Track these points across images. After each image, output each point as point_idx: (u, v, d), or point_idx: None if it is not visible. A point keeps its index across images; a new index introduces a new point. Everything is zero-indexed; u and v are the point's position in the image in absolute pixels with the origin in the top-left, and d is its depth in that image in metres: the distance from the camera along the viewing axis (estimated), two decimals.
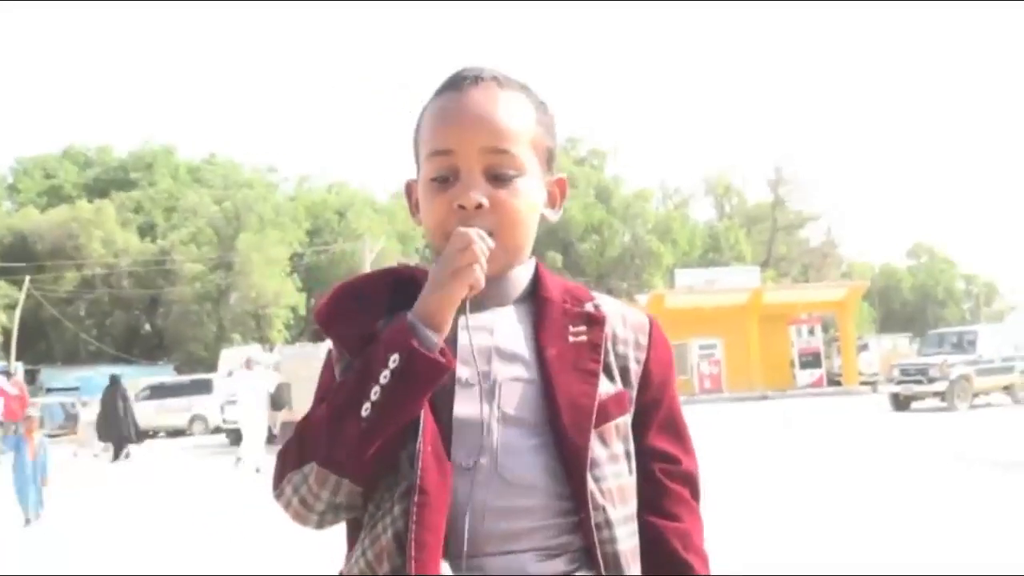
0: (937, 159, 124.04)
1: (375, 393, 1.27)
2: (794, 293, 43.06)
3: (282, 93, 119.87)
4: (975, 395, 24.19)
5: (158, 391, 31.79)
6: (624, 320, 1.48)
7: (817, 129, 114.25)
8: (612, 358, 1.43)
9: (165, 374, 39.68)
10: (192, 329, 51.40)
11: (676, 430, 1.52)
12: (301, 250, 54.72)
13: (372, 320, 1.37)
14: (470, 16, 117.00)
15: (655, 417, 1.48)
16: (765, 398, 33.91)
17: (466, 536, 1.30)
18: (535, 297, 1.45)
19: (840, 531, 8.42)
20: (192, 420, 32.00)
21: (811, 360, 37.69)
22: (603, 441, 1.38)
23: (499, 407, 1.35)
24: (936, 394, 24.01)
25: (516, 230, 1.40)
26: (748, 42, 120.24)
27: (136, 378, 32.00)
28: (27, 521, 11.76)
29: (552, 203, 1.50)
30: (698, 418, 24.70)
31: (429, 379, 1.29)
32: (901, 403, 24.56)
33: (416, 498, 1.27)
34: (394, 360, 1.27)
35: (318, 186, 64.20)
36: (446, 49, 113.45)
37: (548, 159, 1.47)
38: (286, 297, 51.84)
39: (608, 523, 1.36)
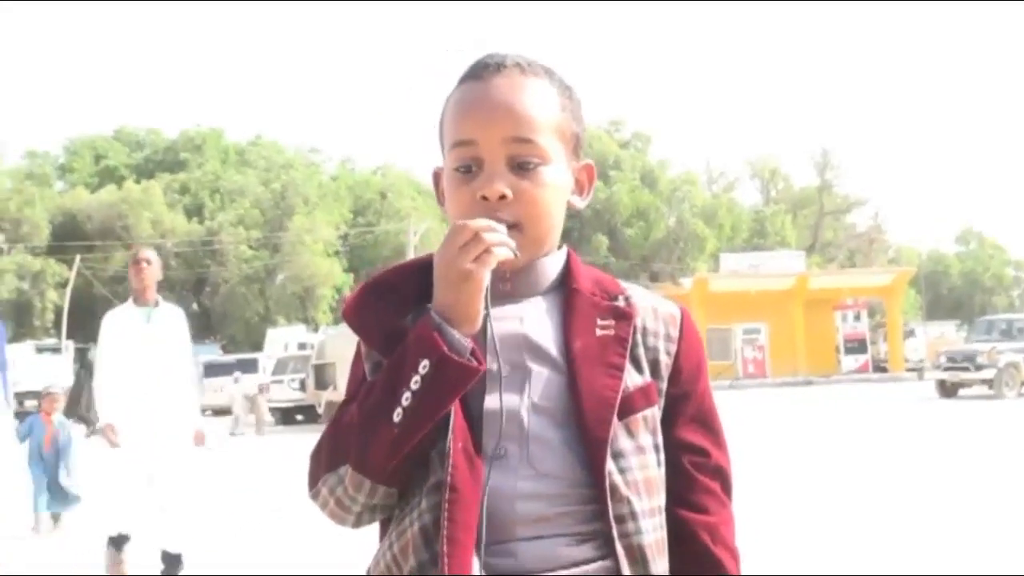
0: (987, 143, 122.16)
1: (406, 399, 1.27)
2: (840, 278, 42.70)
3: (325, 74, 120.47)
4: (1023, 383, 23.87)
5: (205, 370, 32.15)
6: (655, 312, 1.46)
7: (865, 112, 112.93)
8: (641, 351, 1.42)
9: (212, 353, 40.05)
10: (239, 309, 51.91)
11: (707, 423, 1.49)
12: (345, 231, 55.01)
13: (399, 315, 1.37)
14: None
15: (685, 409, 1.46)
16: (809, 383, 33.69)
17: (497, 522, 1.30)
18: (565, 288, 1.44)
19: (884, 521, 8.35)
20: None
21: (856, 346, 37.39)
22: (629, 432, 1.37)
23: (529, 396, 1.35)
24: (984, 382, 23.75)
25: (541, 220, 1.39)
26: (796, 23, 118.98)
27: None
28: (34, 526, 9.63)
29: (580, 190, 1.48)
30: (741, 403, 24.78)
31: (461, 383, 1.28)
32: (948, 390, 24.32)
33: (447, 495, 1.27)
34: (424, 366, 1.26)
35: (361, 167, 64.47)
36: (488, 28, 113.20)
37: (575, 145, 1.45)
38: (332, 278, 52.21)
39: (633, 515, 1.35)
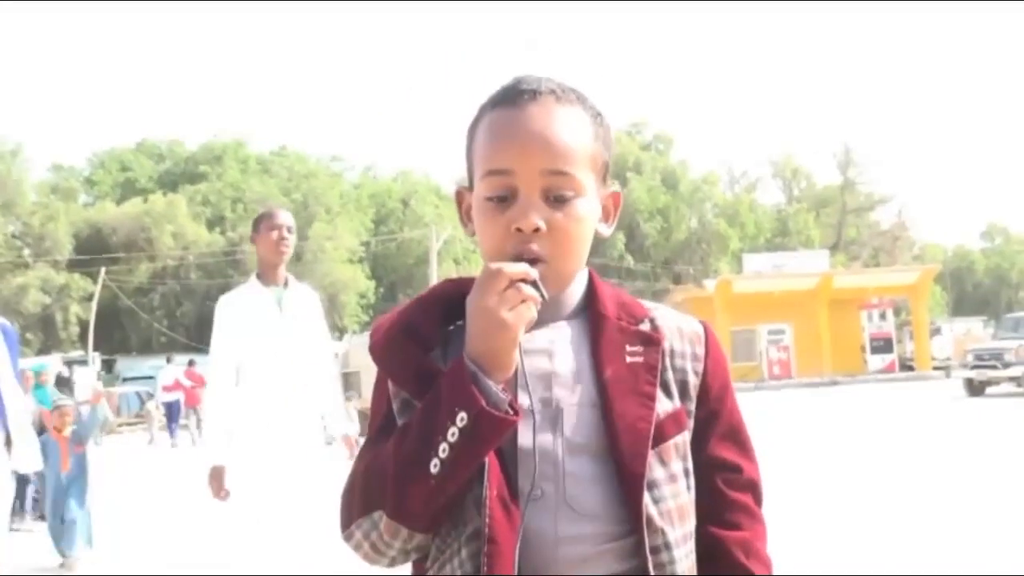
0: (1011, 137, 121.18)
1: (443, 450, 1.26)
2: (864, 277, 42.44)
3: (345, 81, 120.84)
4: None
5: None
6: (680, 333, 1.46)
7: (887, 108, 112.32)
8: (670, 375, 1.42)
9: None
10: None
11: (737, 437, 1.50)
12: (368, 238, 55.18)
13: (426, 349, 1.36)
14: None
15: (716, 427, 1.47)
16: (835, 384, 33.52)
17: (540, 566, 1.30)
18: (590, 311, 1.43)
19: (913, 522, 8.31)
20: None
21: (882, 345, 37.18)
22: (662, 461, 1.38)
23: (563, 434, 1.35)
24: (1012, 379, 23.56)
25: (572, 254, 1.38)
26: (817, 21, 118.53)
27: (207, 366, 32.44)
28: (61, 562, 8.44)
29: (606, 217, 1.48)
30: (767, 404, 24.59)
31: (498, 435, 1.28)
32: (976, 388, 24.14)
33: (486, 548, 1.27)
34: (462, 419, 1.25)
35: (383, 175, 64.66)
36: (508, 33, 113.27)
37: (604, 173, 1.44)
38: (356, 285, 52.38)
39: (667, 545, 1.35)
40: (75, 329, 49.41)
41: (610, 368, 1.38)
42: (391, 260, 55.94)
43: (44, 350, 45.15)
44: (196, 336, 52.40)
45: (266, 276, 5.08)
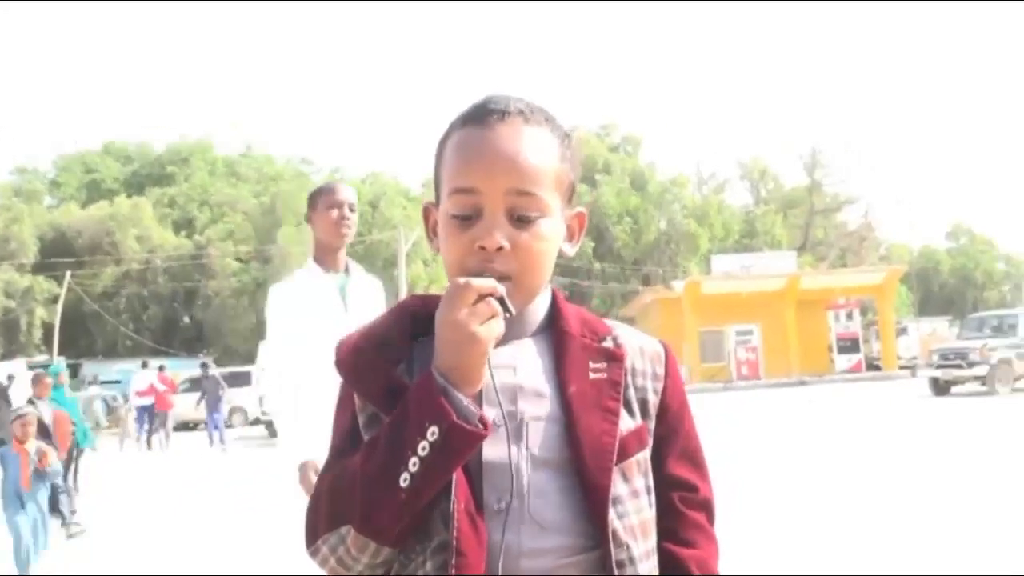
0: (976, 138, 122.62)
1: (413, 464, 1.27)
2: (831, 277, 42.76)
3: (314, 84, 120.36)
4: (1016, 379, 23.92)
5: (198, 384, 32.03)
6: (642, 352, 1.48)
7: (853, 110, 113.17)
8: (632, 392, 1.44)
9: None
10: (230, 322, 51.80)
11: (693, 457, 1.52)
12: None
13: (393, 364, 1.38)
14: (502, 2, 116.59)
15: (673, 446, 1.49)
16: (803, 384, 33.76)
17: None
18: (554, 329, 1.45)
19: (880, 521, 8.37)
20: (231, 412, 32.25)
21: (849, 345, 37.47)
22: (625, 478, 1.39)
23: (527, 448, 1.36)
24: (977, 378, 23.80)
25: (535, 272, 1.40)
26: (784, 24, 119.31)
27: (175, 371, 32.23)
28: None
29: (570, 236, 1.49)
30: (735, 405, 24.69)
31: (468, 449, 1.29)
32: (941, 388, 24.37)
33: (454, 559, 1.29)
34: (432, 433, 1.26)
35: (351, 177, 64.39)
36: (478, 35, 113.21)
37: (570, 193, 1.46)
38: None
39: (632, 560, 1.37)
40: (39, 333, 48.90)
41: (574, 384, 1.39)
42: (359, 263, 55.02)
43: (8, 354, 44.66)
44: (162, 340, 52.06)
45: (325, 261, 4.36)
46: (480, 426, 1.28)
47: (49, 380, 11.15)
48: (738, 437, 15.67)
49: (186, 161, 60.69)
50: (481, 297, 1.30)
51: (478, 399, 1.33)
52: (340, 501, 1.35)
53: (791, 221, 64.16)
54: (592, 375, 1.41)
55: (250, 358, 41.55)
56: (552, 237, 1.41)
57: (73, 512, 10.79)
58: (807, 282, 39.73)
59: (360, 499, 1.31)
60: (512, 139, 1.38)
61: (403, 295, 42.33)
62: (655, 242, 58.42)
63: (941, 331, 42.05)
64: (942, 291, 77.06)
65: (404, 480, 1.27)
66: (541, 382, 1.40)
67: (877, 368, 37.70)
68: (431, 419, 1.26)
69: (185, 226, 55.16)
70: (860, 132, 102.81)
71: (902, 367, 36.77)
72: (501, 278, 1.34)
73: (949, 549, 7.02)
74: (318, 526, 1.38)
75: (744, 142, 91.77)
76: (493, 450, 1.34)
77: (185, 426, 30.22)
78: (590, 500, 1.35)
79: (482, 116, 1.40)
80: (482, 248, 1.35)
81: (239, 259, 52.62)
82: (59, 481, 9.78)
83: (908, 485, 10.14)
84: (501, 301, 1.31)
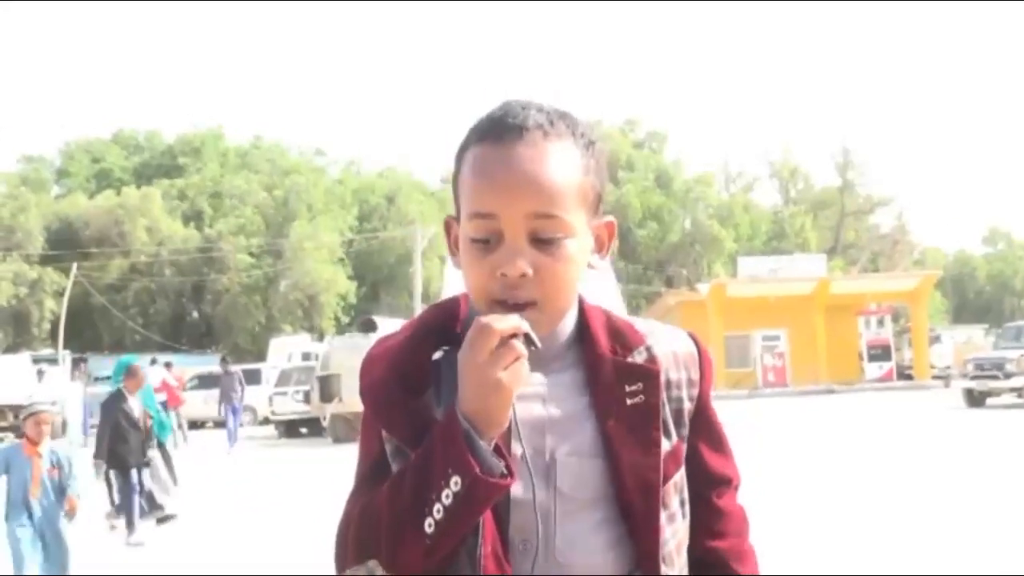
0: (1014, 139, 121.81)
1: (438, 511, 1.28)
2: (862, 282, 42.54)
3: (329, 73, 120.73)
4: None
5: (206, 381, 32.12)
6: (676, 359, 1.47)
7: (888, 109, 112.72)
8: (667, 409, 1.43)
9: (213, 363, 40.12)
10: (240, 318, 52.05)
11: (722, 446, 1.53)
12: (351, 236, 55.10)
13: (419, 395, 1.38)
14: None
15: (706, 443, 1.50)
16: (831, 392, 33.60)
17: None
18: (584, 348, 1.44)
19: (911, 535, 8.33)
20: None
21: (880, 353, 37.25)
22: (664, 504, 1.40)
23: (556, 486, 1.36)
24: (1013, 390, 23.60)
25: (561, 296, 1.38)
26: (817, 19, 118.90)
27: (184, 367, 32.36)
28: None
29: (599, 248, 1.46)
30: (762, 413, 24.51)
31: (492, 499, 1.29)
32: (976, 399, 24.19)
33: None
34: (456, 483, 1.26)
35: (367, 170, 64.59)
36: (499, 26, 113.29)
37: (596, 204, 1.42)
38: (336, 285, 52.28)
39: None
40: (47, 326, 49.20)
41: (611, 416, 1.39)
42: (374, 259, 55.85)
43: (13, 347, 44.96)
44: (170, 335, 52.28)
45: None
46: (505, 476, 1.28)
47: (143, 373, 11.11)
48: (764, 446, 15.61)
49: (197, 152, 60.93)
50: (504, 340, 1.27)
51: (505, 435, 1.32)
52: (367, 535, 1.35)
53: (821, 223, 63.94)
54: (629, 400, 1.40)
55: (260, 355, 41.75)
56: (578, 257, 1.38)
57: (160, 507, 10.82)
58: (837, 286, 39.54)
59: (386, 538, 1.32)
60: (532, 159, 1.34)
61: (419, 293, 42.47)
62: (679, 242, 58.38)
63: (976, 340, 41.72)
64: (978, 298, 76.68)
65: (429, 526, 1.28)
66: (573, 413, 1.39)
67: (909, 377, 37.47)
68: (454, 469, 1.26)
69: (195, 218, 55.40)
70: (895, 131, 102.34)
71: (935, 377, 36.52)
72: (525, 305, 1.33)
73: (981, 562, 6.99)
74: (347, 555, 1.39)
75: (774, 139, 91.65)
76: (520, 488, 1.34)
77: (193, 424, 30.32)
78: (638, 544, 1.37)
79: (500, 133, 1.36)
80: (503, 275, 1.33)
81: (250, 253, 52.80)
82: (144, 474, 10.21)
83: (939, 500, 10.08)
84: (526, 337, 1.29)
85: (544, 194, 1.33)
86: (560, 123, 1.38)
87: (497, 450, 1.29)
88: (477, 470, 1.25)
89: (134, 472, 10.42)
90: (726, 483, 1.52)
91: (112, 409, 10.50)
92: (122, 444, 10.37)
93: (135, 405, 10.60)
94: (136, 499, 10.40)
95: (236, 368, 26.81)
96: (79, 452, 12.07)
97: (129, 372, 10.81)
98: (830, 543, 8.14)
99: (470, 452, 1.26)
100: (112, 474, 10.56)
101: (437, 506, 1.27)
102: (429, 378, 1.38)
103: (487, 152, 1.36)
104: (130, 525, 10.27)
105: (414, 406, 1.37)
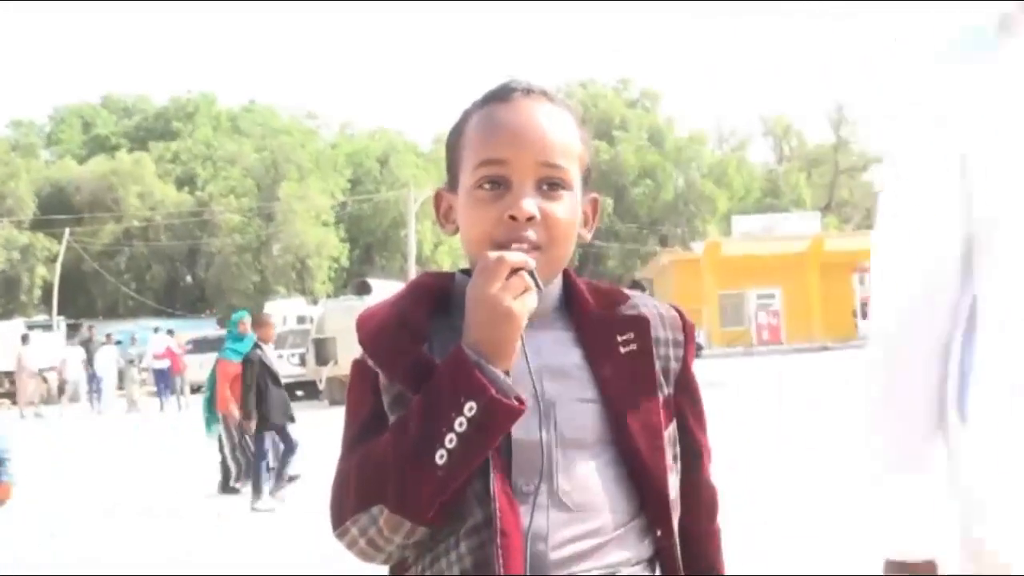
0: None
1: (450, 440, 1.29)
2: (857, 240, 42.51)
3: (320, 34, 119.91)
4: None
5: (201, 345, 31.98)
6: (661, 319, 1.50)
7: (882, 64, 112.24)
8: (658, 363, 1.46)
9: (208, 327, 40.08)
10: (233, 281, 51.93)
11: (701, 418, 1.56)
12: (343, 199, 54.94)
13: (416, 343, 1.39)
14: None
15: (692, 412, 1.54)
16: (826, 349, 33.72)
17: (535, 564, 1.34)
18: (572, 305, 1.48)
19: None
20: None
21: None
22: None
23: (556, 429, 1.38)
24: None
25: (564, 243, 1.43)
26: None
27: (179, 332, 32.33)
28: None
29: (585, 222, 1.52)
30: (756, 371, 24.59)
31: (507, 424, 1.31)
32: None
33: (499, 540, 1.31)
34: (471, 408, 1.28)
35: (359, 132, 64.27)
36: None
37: (587, 177, 1.50)
38: (329, 248, 52.18)
39: (672, 532, 1.44)
40: (39, 292, 49.13)
41: (607, 364, 1.42)
42: (366, 222, 55.69)
43: (6, 313, 44.95)
44: (165, 300, 52.27)
45: None
46: (518, 401, 1.30)
47: (272, 322, 10.57)
48: (759, 404, 15.69)
49: (190, 116, 60.58)
50: (513, 271, 1.32)
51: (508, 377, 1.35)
52: (370, 481, 1.35)
53: (815, 180, 63.90)
54: (623, 348, 1.44)
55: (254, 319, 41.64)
56: (576, 212, 1.45)
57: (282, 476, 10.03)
58: (831, 244, 39.59)
59: (394, 478, 1.32)
60: (539, 113, 1.43)
61: (412, 256, 42.46)
62: (673, 201, 58.28)
63: None
64: None
65: (441, 457, 1.29)
66: (567, 362, 1.42)
67: None
68: (468, 394, 1.29)
69: (187, 182, 55.17)
70: (889, 86, 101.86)
71: None
72: (531, 249, 1.37)
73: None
74: (345, 507, 1.39)
75: (767, 97, 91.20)
76: (522, 430, 1.35)
77: (191, 389, 30.33)
78: (646, 483, 1.40)
79: (506, 93, 1.45)
80: (512, 218, 1.38)
81: (242, 216, 52.62)
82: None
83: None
84: (531, 275, 1.34)
85: (552, 144, 1.41)
86: (558, 98, 1.48)
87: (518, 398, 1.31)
88: (493, 391, 1.28)
89: (268, 434, 9.86)
90: (703, 455, 1.55)
91: (253, 364, 9.68)
92: (265, 402, 9.67)
93: (272, 355, 10.05)
94: (264, 463, 9.82)
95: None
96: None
97: (260, 322, 10.30)
98: (830, 507, 8.18)
99: (483, 376, 1.29)
100: (233, 436, 10.24)
101: (450, 435, 1.29)
102: (428, 330, 1.40)
103: (495, 108, 1.45)
104: (257, 490, 9.74)
105: (415, 350, 1.38)
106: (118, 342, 31.16)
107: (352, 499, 1.37)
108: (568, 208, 1.42)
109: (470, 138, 1.44)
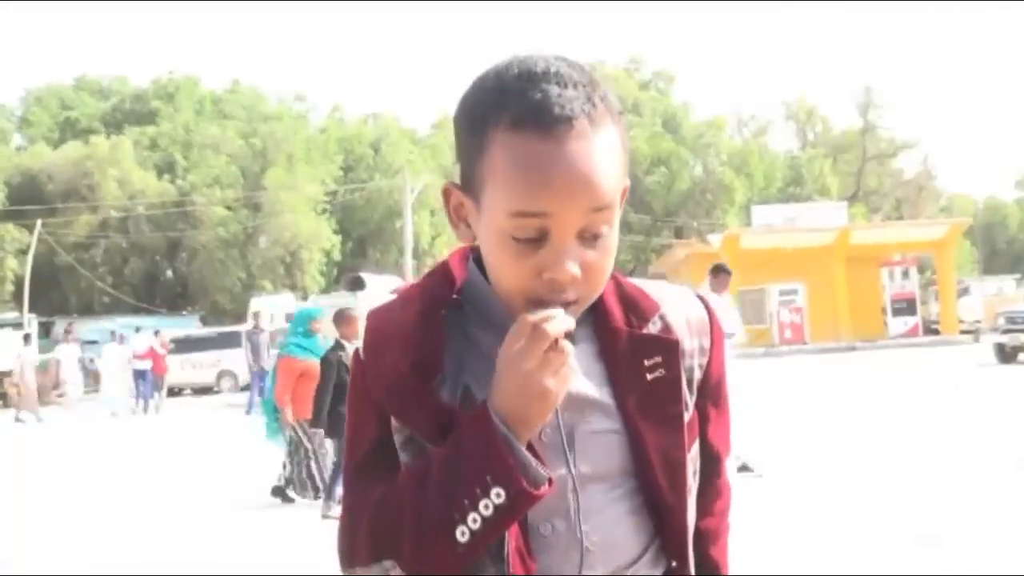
0: None
1: (473, 521, 1.28)
2: (886, 231, 42.56)
3: (310, 13, 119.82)
4: None
5: (183, 345, 32.16)
6: (688, 326, 1.49)
7: (912, 44, 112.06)
8: (683, 376, 1.45)
9: (190, 326, 40.14)
10: (217, 277, 51.91)
11: (725, 418, 1.56)
12: (335, 188, 54.91)
13: (430, 380, 1.37)
14: None
15: (713, 417, 1.53)
16: (853, 349, 33.72)
17: None
18: (597, 321, 1.44)
19: (934, 498, 8.38)
20: (220, 376, 32.45)
21: (905, 307, 37.36)
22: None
23: (575, 464, 1.38)
24: None
25: (600, 289, 1.40)
26: None
27: (163, 331, 32.41)
28: None
29: None
30: (778, 372, 24.64)
31: (533, 505, 1.30)
32: (1007, 355, 24.26)
33: None
34: (498, 495, 1.27)
35: (351, 116, 64.27)
36: None
37: (626, 172, 1.42)
38: (319, 240, 52.14)
39: (688, 566, 1.46)
40: (10, 287, 49.10)
41: (632, 392, 1.41)
42: (360, 212, 55.67)
43: None
44: (144, 296, 52.25)
45: None
46: (548, 485, 1.29)
47: (356, 317, 10.37)
48: (781, 408, 15.69)
49: (171, 98, 60.51)
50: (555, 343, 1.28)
51: None
52: (384, 535, 1.36)
53: (841, 168, 63.85)
54: (649, 375, 1.42)
55: (239, 317, 41.67)
56: (615, 243, 1.39)
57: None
58: (859, 236, 39.52)
59: (409, 542, 1.33)
60: (586, 156, 1.30)
61: (409, 249, 42.42)
62: (689, 191, 58.25)
63: (1008, 291, 41.81)
64: (1010, 247, 76.71)
65: (462, 535, 1.29)
66: (592, 390, 1.41)
67: (936, 332, 37.59)
68: (497, 479, 1.27)
69: (167, 170, 55.09)
70: (919, 69, 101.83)
71: (964, 331, 36.61)
72: (567, 304, 1.33)
73: (1013, 524, 7.04)
74: (356, 552, 1.39)
75: (789, 79, 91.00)
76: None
77: (171, 391, 30.42)
78: (666, 515, 1.41)
79: (546, 124, 1.29)
80: (552, 279, 1.32)
81: (227, 207, 52.56)
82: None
83: (969, 460, 10.14)
84: (568, 335, 1.30)
85: (598, 190, 1.31)
86: (600, 103, 1.34)
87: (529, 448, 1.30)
88: (524, 483, 1.27)
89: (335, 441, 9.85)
90: (722, 458, 1.56)
91: (332, 365, 9.61)
92: (343, 405, 9.39)
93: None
94: (338, 471, 9.65)
95: (265, 327, 26.81)
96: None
97: (343, 318, 10.13)
98: (854, 511, 8.19)
99: (514, 462, 1.27)
100: (303, 441, 10.24)
101: (473, 515, 1.28)
102: (442, 363, 1.38)
103: (532, 143, 1.30)
104: (329, 497, 9.68)
105: (428, 393, 1.37)
106: (93, 341, 31.24)
107: (364, 548, 1.38)
108: (610, 247, 1.36)
109: (499, 166, 1.32)
